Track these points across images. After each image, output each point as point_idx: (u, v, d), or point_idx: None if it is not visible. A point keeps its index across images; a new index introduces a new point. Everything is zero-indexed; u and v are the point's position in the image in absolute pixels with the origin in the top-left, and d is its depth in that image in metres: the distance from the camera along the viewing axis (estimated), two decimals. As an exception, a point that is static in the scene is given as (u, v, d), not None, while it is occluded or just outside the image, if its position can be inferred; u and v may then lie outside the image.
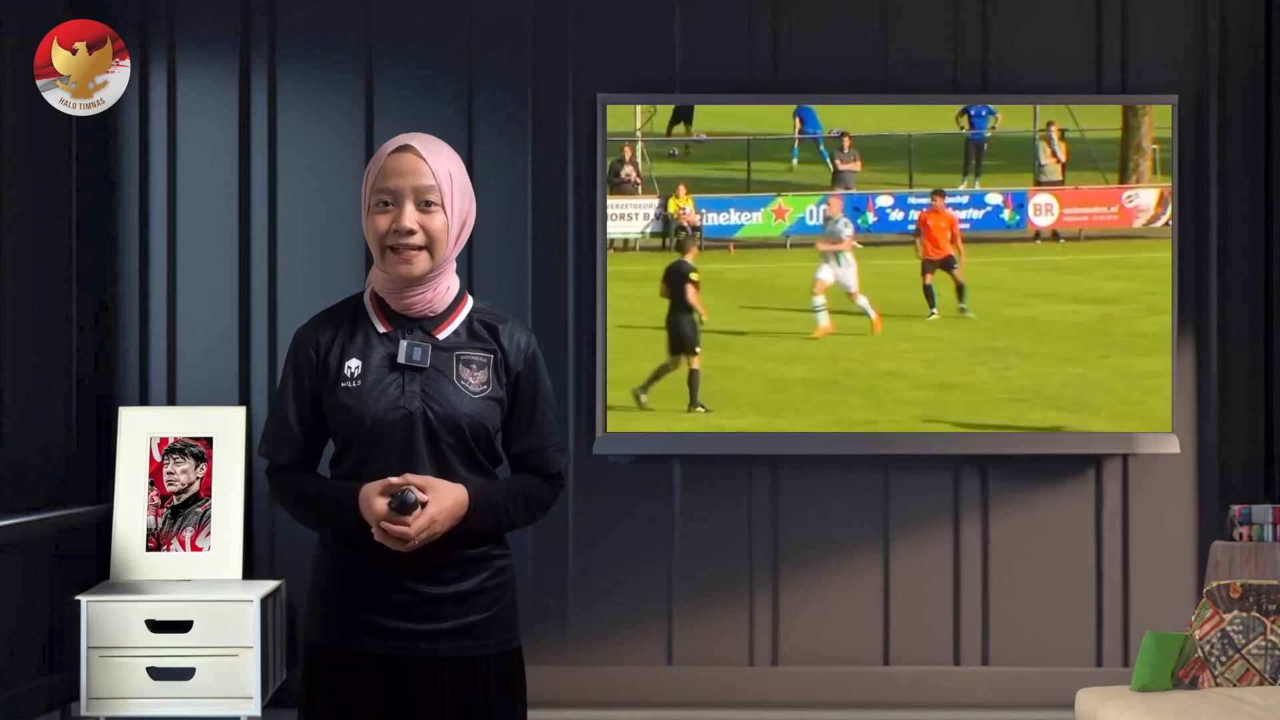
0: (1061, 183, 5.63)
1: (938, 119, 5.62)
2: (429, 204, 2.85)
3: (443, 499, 2.80)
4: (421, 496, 2.78)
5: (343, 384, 2.86)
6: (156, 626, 5.13)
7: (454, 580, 2.87)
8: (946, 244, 5.62)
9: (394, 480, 2.78)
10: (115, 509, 5.48)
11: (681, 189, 5.60)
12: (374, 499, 2.78)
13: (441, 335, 2.91)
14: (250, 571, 5.62)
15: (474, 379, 2.90)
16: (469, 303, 2.97)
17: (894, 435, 5.57)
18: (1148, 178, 5.60)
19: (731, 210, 5.64)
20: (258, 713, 5.15)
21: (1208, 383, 5.72)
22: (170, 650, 5.11)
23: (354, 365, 2.87)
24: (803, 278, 5.64)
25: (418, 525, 2.77)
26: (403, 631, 2.85)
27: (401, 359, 2.86)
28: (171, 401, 5.67)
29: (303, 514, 2.92)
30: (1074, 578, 5.72)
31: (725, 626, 5.70)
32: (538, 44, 5.73)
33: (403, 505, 2.76)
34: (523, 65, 5.73)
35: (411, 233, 2.83)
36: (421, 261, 2.85)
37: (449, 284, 2.93)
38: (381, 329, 2.90)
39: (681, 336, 5.59)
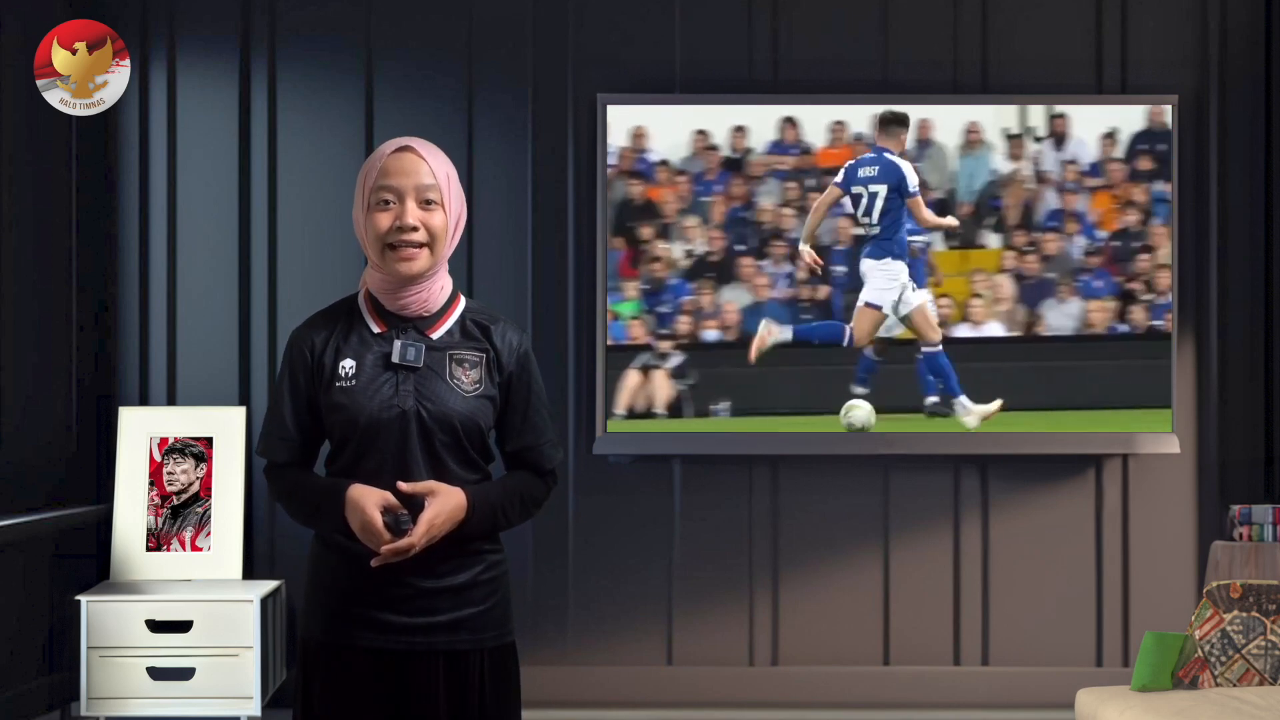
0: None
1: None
2: (430, 202, 2.90)
3: (443, 502, 2.84)
4: (420, 516, 2.83)
5: (338, 384, 2.90)
6: (156, 626, 5.13)
7: (448, 574, 2.91)
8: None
9: (394, 500, 2.83)
10: (115, 509, 5.48)
11: None
12: (368, 507, 2.81)
13: (435, 335, 2.95)
14: (250, 571, 5.62)
15: (467, 378, 2.93)
16: (461, 302, 3.01)
17: (894, 435, 5.57)
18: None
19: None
20: (258, 713, 5.15)
21: (1208, 383, 5.72)
22: (170, 650, 5.11)
23: (348, 365, 2.91)
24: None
25: (418, 531, 2.81)
26: (398, 625, 2.88)
27: (396, 359, 2.90)
28: (171, 401, 5.67)
29: (295, 511, 2.97)
30: (1074, 578, 5.72)
31: (725, 626, 5.70)
32: (538, 44, 5.73)
33: (396, 526, 2.81)
34: (523, 65, 5.73)
35: (415, 229, 2.88)
36: (422, 259, 2.90)
37: (443, 284, 2.97)
38: (376, 329, 2.94)
39: None
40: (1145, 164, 5.58)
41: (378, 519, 2.80)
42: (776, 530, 5.71)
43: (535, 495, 3.02)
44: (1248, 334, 5.72)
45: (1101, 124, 5.58)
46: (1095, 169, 5.60)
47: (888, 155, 5.52)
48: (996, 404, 5.54)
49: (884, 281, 5.54)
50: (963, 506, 5.73)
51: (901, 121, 5.53)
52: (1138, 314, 5.56)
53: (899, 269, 5.54)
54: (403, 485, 2.84)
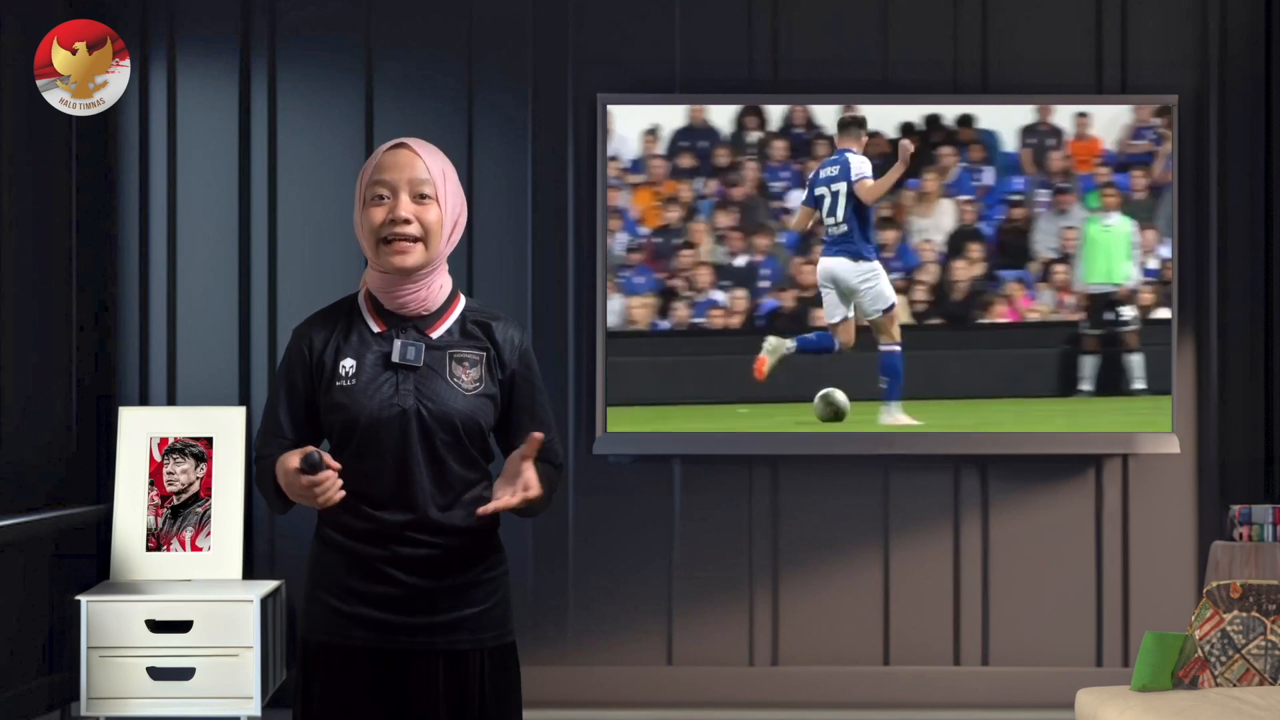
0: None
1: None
2: (424, 197, 2.90)
3: (531, 464, 2.84)
4: (331, 463, 2.77)
5: (338, 383, 2.91)
6: (156, 626, 5.13)
7: (449, 573, 2.90)
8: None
9: (309, 448, 2.80)
10: (115, 509, 5.48)
11: None
12: (288, 458, 2.80)
13: (435, 334, 2.95)
14: (250, 571, 5.62)
15: (467, 376, 2.93)
16: (461, 302, 3.01)
17: (894, 435, 5.57)
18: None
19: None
20: (258, 713, 5.15)
21: (1208, 383, 5.72)
22: (170, 650, 5.11)
23: (349, 364, 2.91)
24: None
25: (531, 480, 2.80)
26: (398, 625, 2.89)
27: (396, 358, 2.90)
28: (171, 401, 5.67)
29: (263, 495, 2.97)
30: (1074, 578, 5.72)
31: (725, 626, 5.70)
32: (538, 44, 5.73)
33: (310, 466, 2.76)
34: (523, 65, 5.73)
35: (407, 222, 2.88)
36: (417, 253, 2.89)
37: (442, 283, 2.97)
38: (376, 329, 2.94)
39: None
40: (687, 161, 5.58)
41: (294, 464, 2.77)
42: (776, 530, 5.71)
43: (556, 487, 3.04)
44: (1248, 334, 5.73)
45: (644, 120, 5.57)
46: (637, 165, 5.60)
47: (848, 154, 5.54)
48: (913, 421, 5.54)
49: (872, 285, 5.55)
50: (963, 506, 5.73)
51: (860, 123, 5.55)
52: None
53: (874, 267, 5.56)
54: (535, 436, 2.81)
